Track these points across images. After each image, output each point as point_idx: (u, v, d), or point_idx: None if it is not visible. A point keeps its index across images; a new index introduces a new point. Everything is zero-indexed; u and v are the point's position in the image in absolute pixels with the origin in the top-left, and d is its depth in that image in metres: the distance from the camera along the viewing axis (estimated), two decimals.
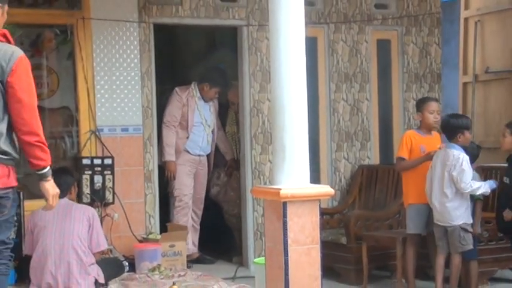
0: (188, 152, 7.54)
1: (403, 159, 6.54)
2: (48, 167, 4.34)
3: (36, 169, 4.33)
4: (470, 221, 6.25)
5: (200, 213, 7.75)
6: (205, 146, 7.66)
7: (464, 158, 6.18)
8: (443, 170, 6.22)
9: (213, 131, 7.75)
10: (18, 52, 4.30)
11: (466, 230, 6.22)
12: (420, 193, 6.41)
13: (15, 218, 4.58)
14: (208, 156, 7.80)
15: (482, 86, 9.21)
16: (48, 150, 4.34)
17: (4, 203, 4.25)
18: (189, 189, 7.56)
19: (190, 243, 7.46)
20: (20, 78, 4.23)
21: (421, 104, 6.79)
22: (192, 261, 7.34)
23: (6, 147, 4.25)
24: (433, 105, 6.66)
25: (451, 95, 9.88)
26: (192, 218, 7.63)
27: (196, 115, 7.54)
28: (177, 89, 7.58)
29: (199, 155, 7.64)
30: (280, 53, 4.92)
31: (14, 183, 4.34)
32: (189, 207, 7.59)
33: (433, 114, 6.59)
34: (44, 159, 4.30)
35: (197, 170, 7.64)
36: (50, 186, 4.38)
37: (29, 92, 4.28)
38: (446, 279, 6.62)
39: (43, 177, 4.34)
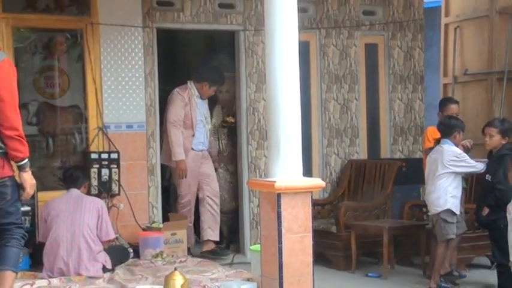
0: (193, 149, 7.25)
1: (431, 148, 6.55)
2: (27, 159, 4.44)
3: (15, 160, 4.43)
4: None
5: (218, 200, 7.35)
6: (205, 141, 7.40)
7: (457, 149, 6.30)
8: (439, 163, 6.25)
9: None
10: (2, 56, 4.42)
11: (445, 220, 6.22)
12: None
13: (21, 202, 4.65)
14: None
15: (461, 87, 9.23)
16: (26, 144, 4.46)
17: (4, 190, 4.40)
18: (192, 187, 7.25)
19: (208, 230, 7.20)
20: (2, 79, 4.32)
21: (442, 105, 7.00)
22: (208, 253, 7.11)
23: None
24: (453, 108, 6.89)
25: (433, 95, 9.90)
26: (209, 205, 7.25)
27: (198, 113, 7.27)
28: (177, 89, 7.25)
29: (201, 150, 7.34)
30: (275, 55, 4.95)
31: (10, 173, 4.45)
32: (192, 204, 7.29)
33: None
34: (23, 152, 4.42)
35: (202, 163, 7.31)
36: (28, 177, 4.48)
37: (11, 91, 4.39)
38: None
39: (22, 168, 4.46)
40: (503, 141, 6.12)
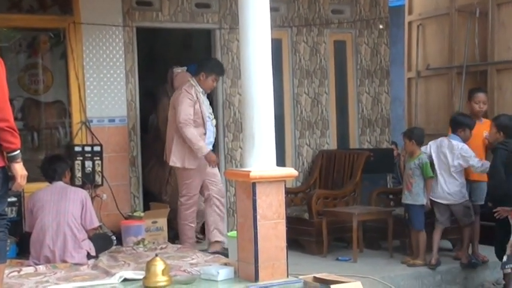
0: None
1: None
2: (18, 151, 4.37)
3: (7, 151, 4.36)
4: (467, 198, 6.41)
5: (224, 200, 6.89)
6: (213, 139, 6.86)
7: (463, 146, 6.32)
8: (449, 156, 6.33)
9: None
10: None
11: (467, 207, 6.39)
12: None
13: (8, 194, 4.59)
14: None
15: (424, 81, 9.28)
16: (18, 136, 4.39)
17: None
18: (198, 188, 6.69)
19: (215, 232, 6.69)
20: None
21: (470, 94, 6.82)
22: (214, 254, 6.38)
23: None
24: (479, 97, 6.68)
25: (398, 89, 9.98)
26: (216, 206, 6.73)
27: (205, 109, 6.67)
28: (185, 88, 6.60)
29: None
30: (249, 52, 4.95)
31: (1, 164, 4.37)
32: (197, 205, 6.78)
33: (479, 104, 6.63)
34: (14, 143, 4.36)
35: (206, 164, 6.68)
36: (19, 168, 4.41)
37: (1, 85, 4.33)
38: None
39: (13, 159, 4.38)
40: (499, 136, 6.03)
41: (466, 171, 6.46)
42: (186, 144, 6.52)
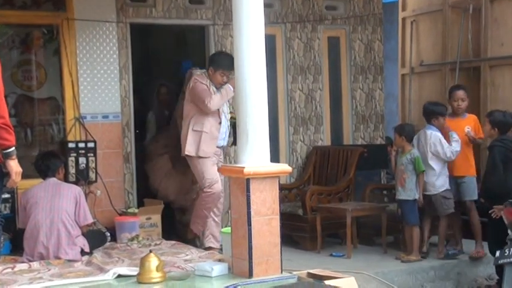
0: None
1: None
2: (13, 147, 4.35)
3: (2, 148, 4.35)
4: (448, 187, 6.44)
5: (221, 207, 6.61)
6: (227, 136, 6.65)
7: (434, 133, 6.40)
8: (425, 147, 6.42)
9: None
10: None
11: (445, 197, 6.42)
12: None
13: (2, 191, 4.58)
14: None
15: (417, 77, 9.30)
16: (13, 133, 4.37)
17: None
18: (217, 174, 6.40)
19: (211, 237, 6.52)
20: None
21: (449, 93, 6.88)
22: None
23: None
24: (457, 94, 6.71)
25: (392, 85, 9.99)
26: (213, 212, 6.53)
27: None
28: (196, 77, 6.48)
29: (221, 146, 6.62)
30: (242, 48, 4.93)
31: None
32: (223, 192, 6.48)
33: (457, 102, 6.66)
34: (10, 140, 4.35)
35: (219, 162, 6.54)
36: (14, 164, 4.40)
37: None
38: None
39: (8, 155, 4.37)
40: (493, 132, 6.04)
41: (451, 167, 6.51)
42: (200, 134, 6.40)
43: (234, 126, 6.52)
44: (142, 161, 7.49)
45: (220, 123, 6.48)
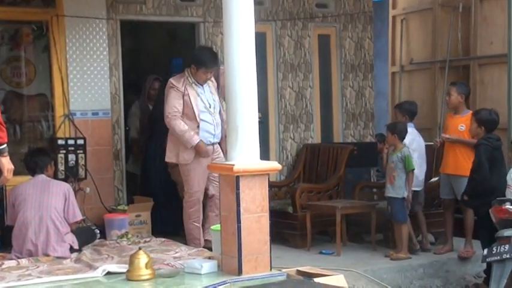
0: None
1: None
2: (5, 145, 4.33)
3: None
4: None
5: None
6: (217, 132, 6.36)
7: (414, 130, 6.74)
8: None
9: (220, 113, 6.43)
10: None
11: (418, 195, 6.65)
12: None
13: None
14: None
15: (407, 75, 9.33)
16: (4, 130, 4.35)
17: None
18: (201, 184, 6.32)
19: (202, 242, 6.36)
20: None
21: None
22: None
23: None
24: (447, 89, 6.89)
25: (382, 83, 10.01)
26: (216, 206, 6.25)
27: (199, 101, 6.27)
28: (171, 80, 6.31)
29: (212, 144, 6.35)
30: (232, 46, 4.94)
31: None
32: (201, 203, 6.39)
33: (448, 97, 6.73)
34: (1, 137, 4.32)
35: (213, 159, 6.29)
36: (6, 161, 4.40)
37: None
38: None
39: (0, 152, 4.34)
40: (480, 130, 6.05)
41: (444, 164, 6.59)
42: (178, 140, 6.25)
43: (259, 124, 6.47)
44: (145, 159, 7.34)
45: (198, 126, 6.25)
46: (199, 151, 6.19)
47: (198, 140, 6.17)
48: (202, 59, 6.31)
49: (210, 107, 6.35)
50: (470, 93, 7.09)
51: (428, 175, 6.99)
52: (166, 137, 6.43)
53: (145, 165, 7.36)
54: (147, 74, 8.03)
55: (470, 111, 6.62)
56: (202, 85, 6.37)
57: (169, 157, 6.37)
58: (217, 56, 6.57)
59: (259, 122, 6.09)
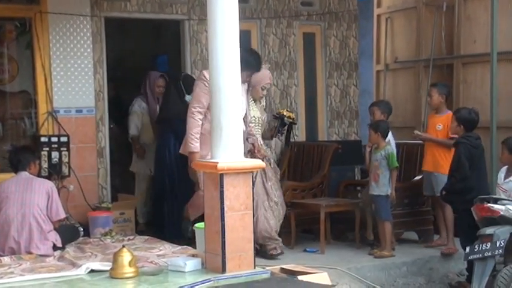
0: None
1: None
2: None
3: None
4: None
5: None
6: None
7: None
8: None
9: (245, 115, 6.07)
10: None
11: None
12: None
13: None
14: None
15: (392, 74, 9.37)
16: None
17: None
18: None
19: None
20: None
21: None
22: None
23: None
24: (429, 90, 6.98)
25: (367, 81, 10.02)
26: None
27: None
28: (204, 72, 5.83)
29: None
30: (217, 44, 4.92)
31: None
32: None
33: (429, 98, 6.85)
34: None
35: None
36: None
37: None
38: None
39: None
40: (459, 129, 6.08)
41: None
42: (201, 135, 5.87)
43: (290, 125, 6.84)
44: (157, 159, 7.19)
45: None
46: (190, 159, 5.84)
47: (195, 150, 5.83)
48: (251, 62, 5.90)
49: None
50: (451, 93, 7.17)
51: (412, 173, 7.03)
52: (179, 137, 6.28)
53: (158, 166, 7.10)
54: (132, 71, 8.00)
55: (450, 111, 6.68)
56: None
57: (182, 149, 6.09)
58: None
59: (291, 123, 6.61)
